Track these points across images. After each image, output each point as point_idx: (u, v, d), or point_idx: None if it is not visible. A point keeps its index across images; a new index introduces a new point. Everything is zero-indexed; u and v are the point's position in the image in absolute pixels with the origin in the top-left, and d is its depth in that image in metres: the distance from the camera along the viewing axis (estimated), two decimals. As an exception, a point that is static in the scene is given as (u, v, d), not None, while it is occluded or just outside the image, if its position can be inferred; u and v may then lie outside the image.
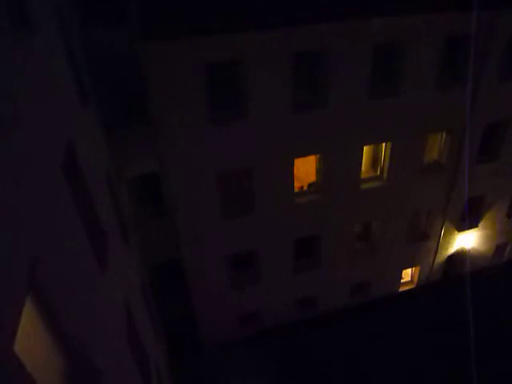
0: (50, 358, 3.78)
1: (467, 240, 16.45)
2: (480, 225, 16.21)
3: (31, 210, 3.58)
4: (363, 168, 12.97)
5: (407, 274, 17.44)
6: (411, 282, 17.51)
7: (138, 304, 8.82)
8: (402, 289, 17.22)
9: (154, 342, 10.28)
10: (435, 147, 13.91)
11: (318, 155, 12.16)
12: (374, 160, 13.76)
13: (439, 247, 16.07)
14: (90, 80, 8.87)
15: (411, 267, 16.94)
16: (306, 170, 13.48)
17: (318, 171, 12.53)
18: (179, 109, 9.81)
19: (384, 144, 12.83)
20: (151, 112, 9.73)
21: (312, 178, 13.10)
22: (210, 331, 14.40)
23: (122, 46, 9.98)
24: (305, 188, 13.77)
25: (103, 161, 8.58)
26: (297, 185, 12.95)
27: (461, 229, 15.94)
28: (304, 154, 11.86)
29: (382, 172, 13.37)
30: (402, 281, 17.09)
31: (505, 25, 11.42)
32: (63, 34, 6.82)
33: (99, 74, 9.53)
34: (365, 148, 12.52)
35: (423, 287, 17.12)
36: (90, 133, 7.76)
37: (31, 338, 3.36)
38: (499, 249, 17.73)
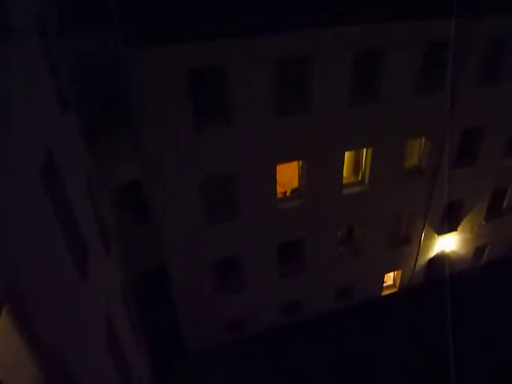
0: (26, 369, 3.72)
1: (447, 243, 16.76)
2: (459, 228, 16.54)
3: (8, 217, 3.53)
4: (345, 173, 13.11)
5: (389, 278, 17.66)
6: (393, 285, 17.73)
7: (119, 313, 8.72)
8: (384, 292, 17.42)
9: (136, 351, 10.16)
10: (415, 152, 14.18)
11: (300, 161, 12.27)
12: (356, 165, 13.93)
13: (420, 251, 16.33)
14: (71, 86, 8.79)
15: (393, 271, 17.16)
16: (288, 175, 13.58)
17: (300, 177, 12.63)
18: (163, 115, 9.78)
19: (365, 149, 13.01)
20: (134, 118, 9.68)
21: (295, 183, 13.19)
22: (195, 337, 14.30)
23: (105, 52, 9.94)
24: (288, 193, 13.85)
25: (84, 168, 8.49)
26: (280, 190, 13.03)
27: (441, 232, 16.23)
28: (286, 159, 11.95)
29: (363, 177, 13.54)
30: (384, 284, 17.29)
31: (481, 31, 11.74)
32: (43, 40, 6.77)
33: (81, 80, 9.46)
34: (346, 153, 12.69)
35: (405, 290, 17.34)
36: (70, 139, 7.68)
37: (7, 348, 3.31)
38: (478, 251, 18.11)
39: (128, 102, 9.42)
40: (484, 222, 16.90)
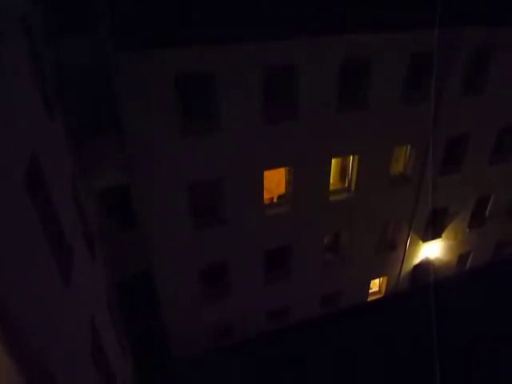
0: (8, 376, 3.64)
1: (432, 250, 16.97)
2: (443, 235, 16.77)
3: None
4: (332, 180, 13.22)
5: (375, 284, 17.78)
6: (379, 291, 17.86)
7: (104, 319, 8.60)
8: (370, 298, 17.53)
9: (121, 358, 10.02)
10: (401, 160, 14.37)
11: (287, 167, 12.33)
12: (343, 172, 14.06)
13: (405, 257, 16.50)
14: (57, 90, 8.71)
15: (379, 277, 17.29)
16: (276, 181, 13.62)
17: (287, 183, 12.69)
18: (150, 120, 9.74)
19: (352, 156, 13.14)
20: (121, 123, 9.62)
21: (282, 189, 13.24)
22: (181, 344, 14.16)
23: (92, 56, 9.87)
24: (275, 199, 13.88)
25: (69, 172, 8.40)
26: (267, 196, 13.05)
27: (425, 239, 16.43)
28: (274, 166, 12.00)
29: (350, 184, 13.66)
30: (370, 291, 17.40)
31: (464, 42, 12.00)
32: (30, 43, 6.71)
33: (67, 85, 9.38)
34: (333, 160, 12.80)
35: (391, 296, 17.48)
36: (56, 143, 7.60)
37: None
38: (462, 258, 18.37)
39: (115, 106, 9.37)
40: (468, 230, 17.17)
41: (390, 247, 16.04)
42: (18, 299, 3.74)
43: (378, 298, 17.64)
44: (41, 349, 4.17)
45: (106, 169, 10.39)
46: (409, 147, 13.93)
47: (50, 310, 4.93)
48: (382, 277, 17.21)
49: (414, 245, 16.32)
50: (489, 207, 17.14)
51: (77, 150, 9.59)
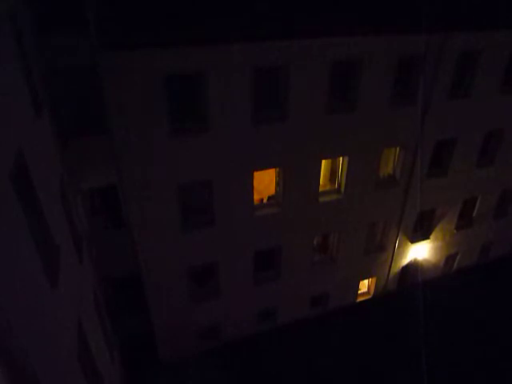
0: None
1: (420, 251, 17.13)
2: (431, 236, 16.95)
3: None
4: (321, 181, 13.26)
5: (364, 285, 17.88)
6: (368, 292, 17.96)
7: (91, 321, 8.49)
8: (359, 299, 17.62)
9: (109, 361, 9.90)
10: (390, 162, 14.49)
11: (277, 168, 12.34)
12: (332, 174, 14.13)
13: (394, 258, 16.62)
14: (45, 89, 8.60)
15: (368, 278, 17.39)
16: (266, 182, 13.62)
17: (277, 184, 12.70)
18: (139, 120, 9.66)
19: (341, 158, 13.20)
20: (109, 123, 9.53)
21: (272, 190, 13.24)
22: (170, 346, 14.06)
23: (80, 56, 9.77)
24: (265, 201, 13.88)
25: (57, 172, 8.28)
26: (257, 197, 13.04)
27: (414, 240, 16.58)
28: (263, 167, 11.99)
29: (339, 185, 13.72)
30: (359, 291, 17.49)
31: (452, 47, 12.16)
32: (18, 41, 6.61)
33: (55, 84, 9.26)
34: (323, 162, 12.85)
35: (379, 297, 17.59)
36: (43, 143, 7.49)
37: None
38: (449, 259, 18.58)
39: (103, 105, 9.28)
40: (455, 231, 17.37)
41: (378, 248, 16.14)
42: (1, 300, 3.66)
43: (367, 299, 17.74)
44: (25, 351, 4.09)
45: (94, 168, 10.29)
46: (397, 149, 14.05)
47: (35, 311, 4.85)
48: (371, 278, 17.31)
49: (402, 246, 16.46)
50: (476, 209, 17.37)
51: (64, 150, 9.48)
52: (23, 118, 6.18)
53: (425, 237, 16.82)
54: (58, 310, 5.97)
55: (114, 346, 11.83)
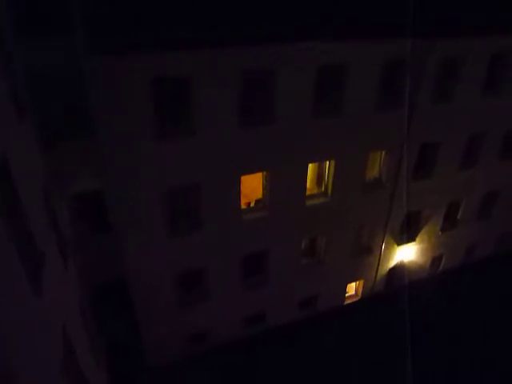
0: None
1: (406, 253, 17.30)
2: (417, 238, 17.14)
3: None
4: (308, 185, 13.33)
5: (352, 288, 17.98)
6: (356, 294, 18.05)
7: (76, 328, 8.37)
8: (347, 301, 17.70)
9: (95, 368, 9.76)
10: (376, 165, 14.63)
11: (264, 172, 12.35)
12: (319, 177, 14.20)
13: (381, 260, 16.76)
14: (28, 92, 8.47)
15: (356, 281, 17.49)
16: (253, 185, 13.62)
17: (264, 188, 12.71)
18: (125, 124, 9.61)
19: (328, 161, 13.28)
20: (95, 127, 9.44)
21: (259, 193, 13.26)
22: (157, 350, 13.92)
23: (66, 59, 9.65)
24: (252, 204, 13.87)
25: (41, 177, 8.17)
26: (244, 201, 13.03)
27: (400, 242, 16.75)
28: (250, 170, 12.01)
29: (326, 189, 13.80)
30: (347, 294, 17.58)
31: (435, 52, 12.37)
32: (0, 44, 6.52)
33: (39, 87, 9.12)
34: (310, 165, 12.91)
35: (367, 299, 17.70)
36: (26, 148, 7.38)
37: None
38: (435, 261, 18.81)
39: (89, 110, 9.19)
40: (440, 233, 17.60)
41: (365, 251, 16.26)
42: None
43: (355, 301, 17.82)
44: (8, 359, 4.01)
45: (79, 173, 10.16)
46: (383, 153, 14.20)
47: (18, 318, 4.76)
48: (359, 280, 17.42)
49: (389, 248, 16.61)
50: (460, 211, 17.62)
51: (49, 154, 9.34)
52: (5, 122, 6.08)
53: (411, 239, 17.01)
54: (41, 318, 5.87)
55: (100, 351, 11.67)
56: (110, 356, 13.29)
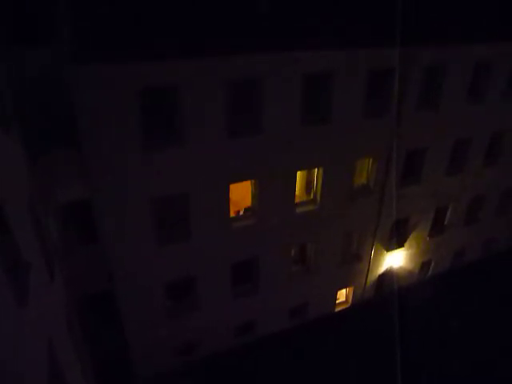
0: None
1: (395, 259, 17.40)
2: (406, 244, 17.27)
3: None
4: (297, 192, 13.38)
5: (342, 295, 17.99)
6: (346, 301, 18.07)
7: (63, 341, 8.25)
8: (337, 308, 17.71)
9: (81, 377, 9.60)
10: (364, 172, 14.75)
11: (253, 180, 12.38)
12: (308, 184, 14.27)
13: (370, 267, 16.83)
14: (12, 103, 8.41)
15: (346, 288, 17.52)
16: (242, 194, 13.64)
17: (253, 196, 12.73)
18: (111, 134, 9.56)
19: (316, 169, 13.36)
20: (81, 137, 9.39)
21: (248, 201, 13.26)
22: (146, 362, 13.75)
23: (50, 69, 9.63)
24: (241, 212, 13.87)
25: (26, 188, 8.09)
26: (234, 209, 13.02)
27: (389, 249, 16.85)
28: (239, 179, 12.01)
29: (315, 196, 13.86)
30: (337, 301, 17.59)
31: (421, 60, 12.59)
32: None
33: (23, 97, 9.08)
34: (298, 173, 12.97)
35: (357, 306, 17.72)
36: (11, 158, 7.31)
37: None
38: (424, 266, 18.95)
39: (75, 119, 9.15)
40: (428, 238, 17.76)
41: (355, 258, 16.32)
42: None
43: (345, 308, 17.84)
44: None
45: (67, 183, 10.09)
46: (371, 160, 14.33)
47: (2, 331, 4.68)
48: (349, 287, 17.45)
49: (378, 255, 16.69)
50: (447, 216, 17.82)
51: (34, 164, 9.27)
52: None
53: (400, 245, 17.12)
54: (27, 330, 5.78)
55: (87, 363, 11.50)
56: (98, 368, 13.10)
